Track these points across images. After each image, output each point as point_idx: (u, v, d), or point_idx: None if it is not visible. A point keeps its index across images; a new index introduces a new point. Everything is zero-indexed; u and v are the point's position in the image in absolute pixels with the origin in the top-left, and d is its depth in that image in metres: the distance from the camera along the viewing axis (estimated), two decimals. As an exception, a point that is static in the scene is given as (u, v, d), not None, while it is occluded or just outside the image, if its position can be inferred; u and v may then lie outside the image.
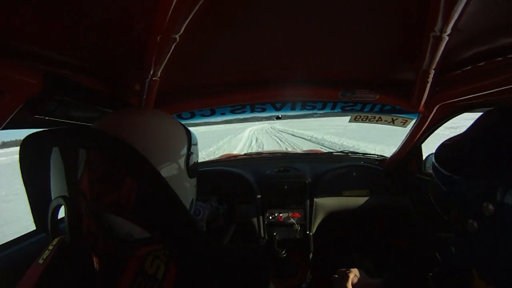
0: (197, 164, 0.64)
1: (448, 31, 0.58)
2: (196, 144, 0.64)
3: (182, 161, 0.57)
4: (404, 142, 1.50)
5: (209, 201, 1.10)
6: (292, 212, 1.61)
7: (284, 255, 1.58)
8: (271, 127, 38.82)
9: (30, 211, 0.55)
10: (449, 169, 0.53)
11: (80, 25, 0.58)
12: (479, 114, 0.51)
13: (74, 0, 0.50)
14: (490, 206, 0.45)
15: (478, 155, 0.49)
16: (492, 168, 0.47)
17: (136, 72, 0.84)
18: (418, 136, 1.40)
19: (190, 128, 0.64)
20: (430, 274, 0.66)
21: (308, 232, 1.61)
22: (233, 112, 1.39)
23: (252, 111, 1.41)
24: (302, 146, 12.92)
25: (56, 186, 0.49)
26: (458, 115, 1.19)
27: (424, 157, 1.51)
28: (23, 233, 0.96)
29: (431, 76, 0.85)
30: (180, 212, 0.43)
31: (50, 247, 0.48)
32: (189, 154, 0.59)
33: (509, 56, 0.73)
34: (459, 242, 0.53)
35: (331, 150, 2.06)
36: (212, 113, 1.38)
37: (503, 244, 0.45)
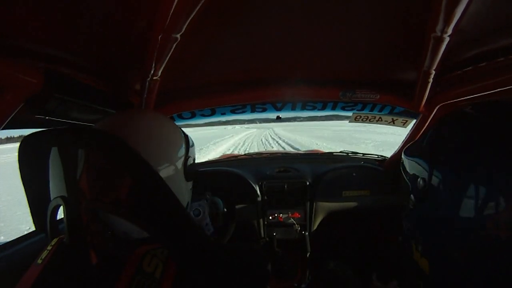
0: (194, 167, 0.65)
1: (449, 31, 0.58)
2: (193, 146, 0.65)
3: (180, 164, 0.58)
4: (405, 142, 1.50)
5: (203, 196, 1.09)
6: (292, 213, 1.61)
7: (284, 255, 1.57)
8: (274, 133, 25.25)
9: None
10: (408, 154, 0.69)
11: (81, 24, 0.58)
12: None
13: None
14: (421, 181, 0.57)
15: (424, 147, 0.64)
16: (428, 153, 0.60)
17: (137, 71, 0.84)
18: (418, 136, 1.39)
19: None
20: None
21: (303, 232, 1.60)
22: (233, 112, 1.39)
23: (253, 111, 1.41)
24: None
25: (55, 186, 0.49)
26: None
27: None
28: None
29: (432, 76, 0.85)
30: (179, 211, 0.43)
31: (49, 247, 0.48)
32: (186, 157, 0.60)
33: (510, 56, 0.73)
34: (405, 218, 0.65)
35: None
36: (213, 113, 1.38)
37: (430, 215, 0.55)
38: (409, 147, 0.71)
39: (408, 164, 0.66)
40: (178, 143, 0.59)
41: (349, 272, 1.47)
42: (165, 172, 0.54)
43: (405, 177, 0.68)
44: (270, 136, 23.34)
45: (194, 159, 0.66)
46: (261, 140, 19.79)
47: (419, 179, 0.58)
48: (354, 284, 1.36)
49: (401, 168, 0.70)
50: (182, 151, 0.59)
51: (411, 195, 0.60)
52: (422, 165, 0.59)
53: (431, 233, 0.55)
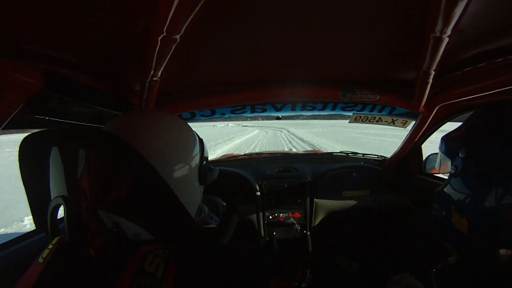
0: (208, 171, 0.63)
1: (449, 32, 0.58)
2: (205, 148, 0.64)
3: (193, 165, 0.57)
4: (404, 143, 1.50)
5: (212, 201, 1.10)
6: (292, 212, 1.61)
7: (284, 255, 1.58)
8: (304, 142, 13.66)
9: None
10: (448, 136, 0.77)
11: (80, 24, 0.58)
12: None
13: None
14: (464, 150, 0.64)
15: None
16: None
17: (137, 72, 0.84)
18: (418, 137, 1.39)
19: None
20: (434, 270, 0.69)
21: (304, 232, 1.61)
22: (233, 112, 1.39)
23: (253, 111, 1.41)
24: None
25: (56, 186, 0.49)
26: (458, 115, 1.19)
27: (424, 158, 1.51)
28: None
29: (432, 77, 0.85)
30: (180, 212, 0.43)
31: (50, 246, 0.48)
32: (202, 160, 0.60)
33: (509, 57, 0.73)
34: (446, 185, 0.71)
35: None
36: (213, 113, 1.39)
37: (471, 183, 0.62)
38: (449, 132, 0.79)
39: (448, 142, 0.75)
40: (192, 144, 0.58)
41: (355, 267, 1.47)
42: (178, 173, 0.53)
43: (443, 154, 0.76)
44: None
45: (207, 161, 0.65)
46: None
47: (462, 149, 0.65)
48: (360, 278, 1.37)
49: (440, 150, 0.78)
50: (196, 152, 0.58)
51: (453, 166, 0.68)
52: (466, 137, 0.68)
53: (474, 194, 0.62)
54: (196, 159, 0.58)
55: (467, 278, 0.64)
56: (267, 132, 21.41)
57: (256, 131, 23.10)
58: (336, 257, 1.71)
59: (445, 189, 0.71)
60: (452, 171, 0.67)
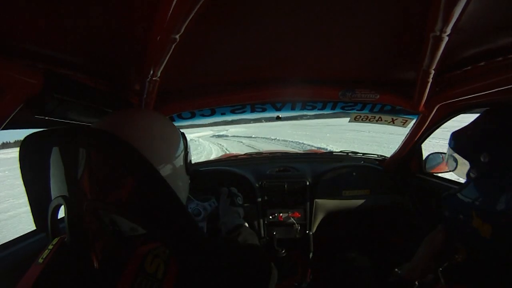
0: (191, 161, 0.68)
1: (448, 31, 0.59)
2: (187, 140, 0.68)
3: (181, 159, 0.60)
4: (404, 142, 1.50)
5: (209, 201, 1.10)
6: (292, 212, 1.61)
7: (284, 255, 1.58)
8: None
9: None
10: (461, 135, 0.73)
11: (80, 25, 0.58)
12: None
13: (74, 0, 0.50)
14: (486, 155, 0.61)
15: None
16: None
17: (136, 71, 0.84)
18: (418, 136, 1.39)
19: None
20: (440, 269, 0.70)
21: (307, 232, 1.61)
22: (233, 112, 1.39)
23: (253, 111, 1.41)
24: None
25: (56, 186, 0.49)
26: (458, 115, 1.19)
27: (424, 157, 1.51)
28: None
29: (431, 76, 0.85)
30: (180, 210, 0.44)
31: (50, 247, 0.48)
32: (186, 152, 0.63)
33: (509, 56, 0.73)
34: (463, 189, 0.68)
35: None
36: (212, 113, 1.39)
37: (496, 189, 0.60)
38: (461, 130, 0.76)
39: (464, 143, 0.72)
40: (178, 139, 0.61)
41: (368, 264, 1.47)
42: (169, 168, 0.55)
43: (456, 155, 0.73)
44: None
45: (191, 155, 0.69)
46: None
47: (484, 153, 0.62)
48: (370, 274, 1.36)
49: (451, 148, 0.75)
50: (181, 147, 0.61)
51: (471, 171, 0.66)
52: (485, 142, 0.66)
53: (498, 200, 0.60)
54: (183, 152, 0.61)
55: (476, 273, 0.64)
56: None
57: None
58: (337, 256, 1.71)
59: (461, 193, 0.69)
60: (473, 176, 0.66)
